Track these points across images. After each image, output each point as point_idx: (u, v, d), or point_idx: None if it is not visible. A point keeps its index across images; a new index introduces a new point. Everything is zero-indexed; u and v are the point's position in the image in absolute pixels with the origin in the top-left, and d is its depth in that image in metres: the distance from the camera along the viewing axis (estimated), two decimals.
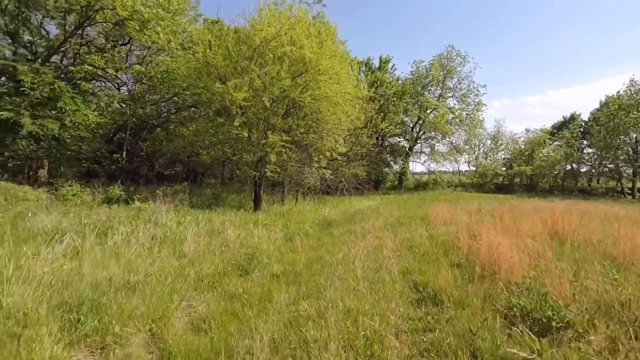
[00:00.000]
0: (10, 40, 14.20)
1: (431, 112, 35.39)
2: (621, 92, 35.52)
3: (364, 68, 30.98)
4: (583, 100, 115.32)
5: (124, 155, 18.56)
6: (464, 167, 51.73)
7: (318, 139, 18.71)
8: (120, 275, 5.62)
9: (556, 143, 42.11)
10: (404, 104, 33.83)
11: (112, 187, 12.91)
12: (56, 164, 20.30)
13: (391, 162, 38.09)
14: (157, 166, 22.44)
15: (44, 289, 4.62)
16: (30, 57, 14.69)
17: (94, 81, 17.33)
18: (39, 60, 14.31)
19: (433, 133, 37.70)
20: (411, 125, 36.06)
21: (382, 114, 29.02)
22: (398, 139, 37.98)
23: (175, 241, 7.73)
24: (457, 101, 37.66)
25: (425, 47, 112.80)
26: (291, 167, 15.21)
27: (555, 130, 44.46)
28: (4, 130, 13.07)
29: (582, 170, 42.20)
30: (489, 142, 49.70)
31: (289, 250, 9.23)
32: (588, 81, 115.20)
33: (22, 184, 12.94)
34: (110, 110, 16.84)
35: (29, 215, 8.18)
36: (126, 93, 18.42)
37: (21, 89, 12.65)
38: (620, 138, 34.21)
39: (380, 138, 34.16)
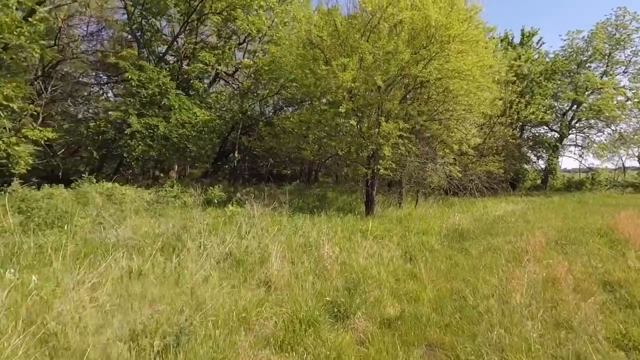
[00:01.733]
0: (135, 43, 15.03)
1: (592, 93, 27.71)
2: None
3: (500, 45, 25.66)
4: None
5: (236, 154, 18.40)
6: (630, 163, 40.03)
7: (443, 129, 15.36)
8: (167, 314, 3.91)
9: None
10: (554, 85, 27.13)
11: (212, 188, 12.23)
12: (184, 165, 21.51)
13: (533, 157, 31.38)
14: (268, 165, 22.06)
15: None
16: (148, 57, 15.36)
17: (207, 80, 17.47)
18: (154, 59, 14.80)
19: (592, 121, 29.65)
20: (563, 112, 28.85)
21: (525, 98, 23.46)
22: (543, 129, 31.04)
23: (256, 261, 5.93)
24: (631, 78, 28.81)
25: (581, 17, 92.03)
26: (410, 162, 12.39)
27: None
28: (119, 132, 13.67)
29: None
30: None
31: (409, 277, 6.62)
32: None
33: (141, 186, 13.25)
34: (219, 107, 16.65)
35: (103, 221, 7.45)
36: (237, 90, 18.22)
37: (132, 88, 13.02)
38: None
39: (519, 128, 28.21)
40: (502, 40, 27.57)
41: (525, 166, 31.85)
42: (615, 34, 28.20)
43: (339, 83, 10.38)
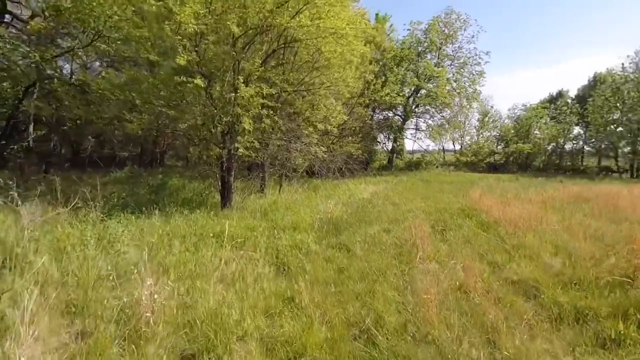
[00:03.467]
0: None
1: (429, 80, 30.77)
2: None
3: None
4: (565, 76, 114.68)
5: (31, 130, 12.89)
6: (448, 146, 47.67)
7: (308, 106, 13.68)
8: None
9: (549, 119, 39.31)
10: (402, 71, 28.95)
11: None
12: None
13: (382, 139, 33.55)
14: (89, 146, 16.68)
15: None
16: None
17: None
18: None
19: (427, 107, 33.28)
20: (407, 96, 31.30)
21: (380, 79, 24.03)
22: (391, 113, 33.32)
23: None
24: (455, 71, 33.23)
25: (427, 7, 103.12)
26: (276, 141, 10.20)
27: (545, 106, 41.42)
28: None
29: (575, 148, 40.09)
30: (476, 118, 45.99)
31: (286, 305, 4.49)
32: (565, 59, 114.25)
33: None
34: None
35: None
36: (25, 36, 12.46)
37: None
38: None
39: (372, 110, 29.36)
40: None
41: (376, 147, 33.88)
42: (444, 30, 31.75)
43: (176, 26, 7.26)
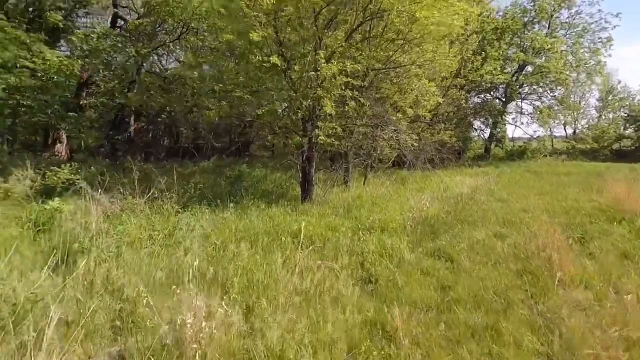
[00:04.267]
0: None
1: (538, 54, 26.39)
2: None
3: None
4: None
5: (132, 121, 13.79)
6: (558, 131, 40.69)
7: (396, 90, 12.17)
8: None
9: None
10: (505, 46, 25.28)
11: (58, 169, 7.86)
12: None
13: (480, 125, 30.02)
14: (181, 137, 17.53)
15: None
16: None
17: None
18: None
19: (535, 87, 28.68)
20: (512, 74, 27.31)
21: (480, 57, 21.07)
22: (488, 96, 29.57)
23: None
24: (573, 41, 28.00)
25: None
26: (361, 128, 9.06)
27: None
28: None
29: None
30: (596, 97, 38.66)
31: (373, 334, 3.38)
32: None
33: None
34: (103, 56, 11.72)
35: None
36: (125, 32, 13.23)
37: None
38: None
39: (467, 93, 26.29)
40: None
41: (472, 135, 30.52)
42: None
43: (252, 1, 6.54)
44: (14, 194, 7.04)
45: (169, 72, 14.19)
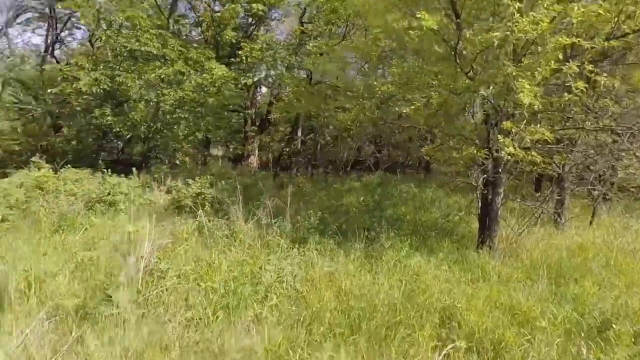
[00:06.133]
0: None
1: None
2: None
3: None
4: None
5: (299, 134, 13.46)
6: None
7: None
8: None
9: None
10: None
11: (180, 184, 7.35)
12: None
13: None
14: (344, 150, 16.40)
15: None
16: None
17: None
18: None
19: None
20: None
21: None
22: None
23: None
24: None
25: None
26: (596, 132, 5.27)
27: None
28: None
29: None
30: None
31: None
32: None
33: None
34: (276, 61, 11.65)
35: None
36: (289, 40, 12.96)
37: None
38: None
39: None
40: None
41: None
42: None
43: None
44: (156, 204, 6.99)
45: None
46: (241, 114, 17.06)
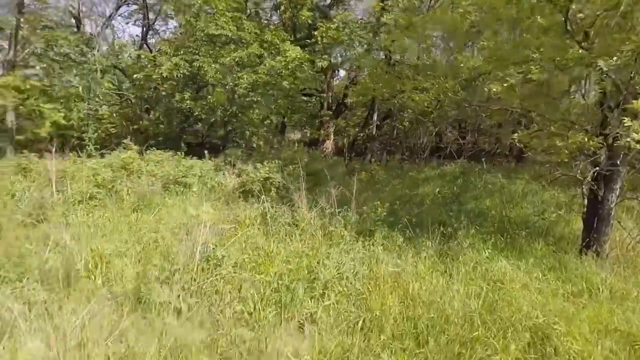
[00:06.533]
0: None
1: None
2: None
3: None
4: None
5: (374, 118, 12.85)
6: None
7: None
8: None
9: None
10: None
11: (249, 167, 7.32)
12: None
13: None
14: (430, 135, 15.27)
15: None
16: None
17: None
18: None
19: None
20: None
21: None
22: None
23: None
24: None
25: None
26: None
27: None
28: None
29: None
30: None
31: None
32: None
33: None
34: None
35: None
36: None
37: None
38: None
39: None
40: None
41: None
42: None
43: None
44: (226, 187, 7.18)
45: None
46: (317, 97, 16.98)
